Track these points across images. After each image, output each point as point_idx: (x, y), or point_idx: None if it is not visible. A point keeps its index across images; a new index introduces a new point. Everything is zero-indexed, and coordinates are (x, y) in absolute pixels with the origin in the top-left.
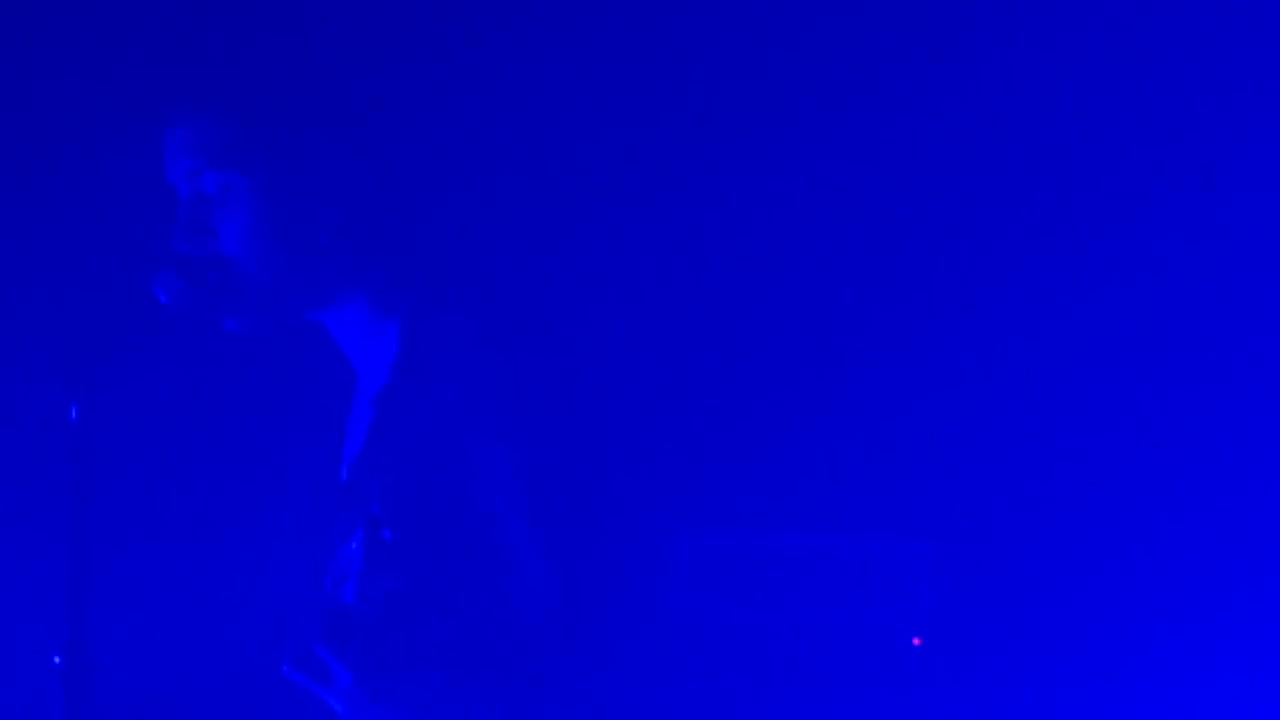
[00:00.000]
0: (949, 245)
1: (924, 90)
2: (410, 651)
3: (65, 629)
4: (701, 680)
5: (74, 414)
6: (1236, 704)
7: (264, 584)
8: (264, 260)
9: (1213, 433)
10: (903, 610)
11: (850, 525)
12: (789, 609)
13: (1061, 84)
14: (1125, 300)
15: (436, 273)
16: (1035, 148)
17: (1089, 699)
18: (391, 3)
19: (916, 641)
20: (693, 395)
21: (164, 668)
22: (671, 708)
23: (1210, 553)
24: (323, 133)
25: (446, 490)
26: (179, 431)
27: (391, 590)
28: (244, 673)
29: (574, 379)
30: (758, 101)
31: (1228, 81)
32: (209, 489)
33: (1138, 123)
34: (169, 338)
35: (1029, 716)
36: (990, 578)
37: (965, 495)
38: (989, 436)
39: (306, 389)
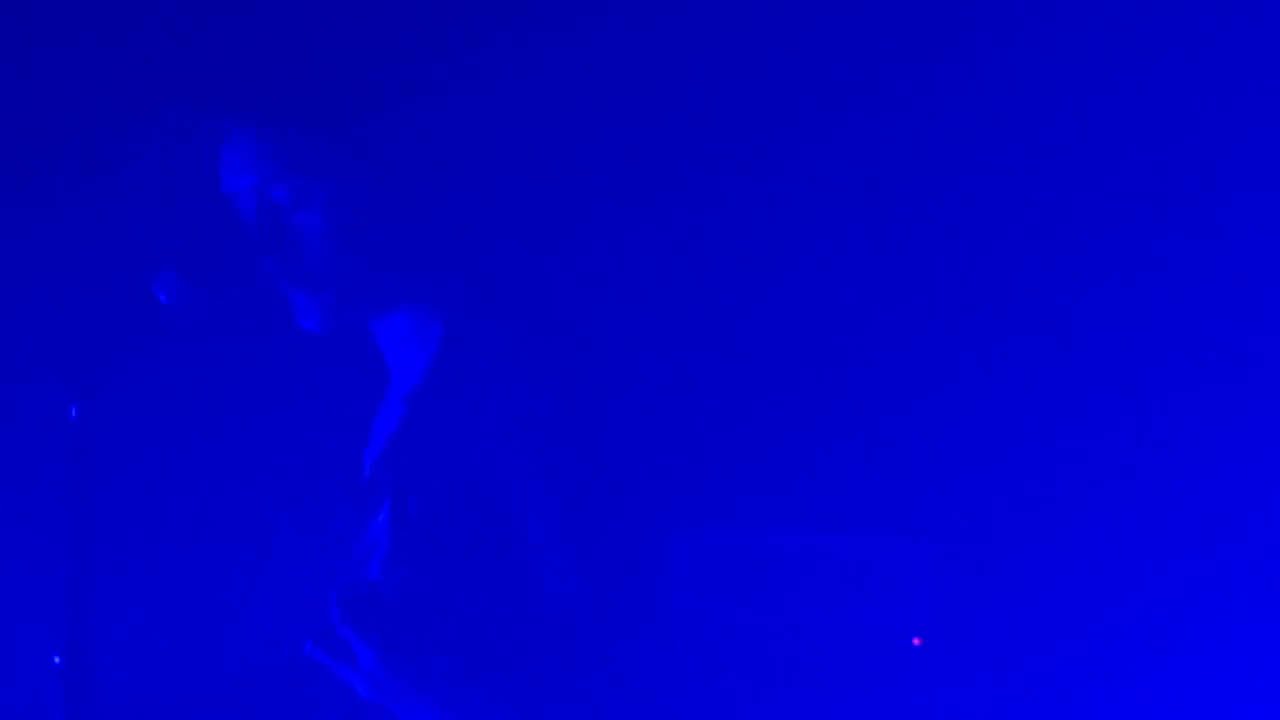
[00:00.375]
0: (948, 246)
1: (924, 90)
2: (430, 633)
3: (65, 629)
4: (702, 680)
5: (74, 414)
6: (1236, 704)
7: (264, 585)
8: (326, 267)
9: (1213, 433)
10: (903, 610)
11: (850, 525)
12: (789, 609)
13: (1061, 84)
14: (1125, 301)
15: (480, 278)
16: (1035, 148)
17: (1089, 699)
18: (453, 15)
19: (916, 641)
20: (693, 395)
21: (164, 668)
22: (671, 707)
23: (1210, 553)
24: (379, 141)
25: (467, 483)
26: (178, 431)
27: (413, 574)
28: (243, 674)
29: (583, 381)
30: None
31: (1228, 81)
32: (209, 489)
33: (1138, 123)
34: (170, 338)
35: (1029, 716)
36: (990, 578)
37: (965, 495)
38: (989, 437)
39: (307, 389)
